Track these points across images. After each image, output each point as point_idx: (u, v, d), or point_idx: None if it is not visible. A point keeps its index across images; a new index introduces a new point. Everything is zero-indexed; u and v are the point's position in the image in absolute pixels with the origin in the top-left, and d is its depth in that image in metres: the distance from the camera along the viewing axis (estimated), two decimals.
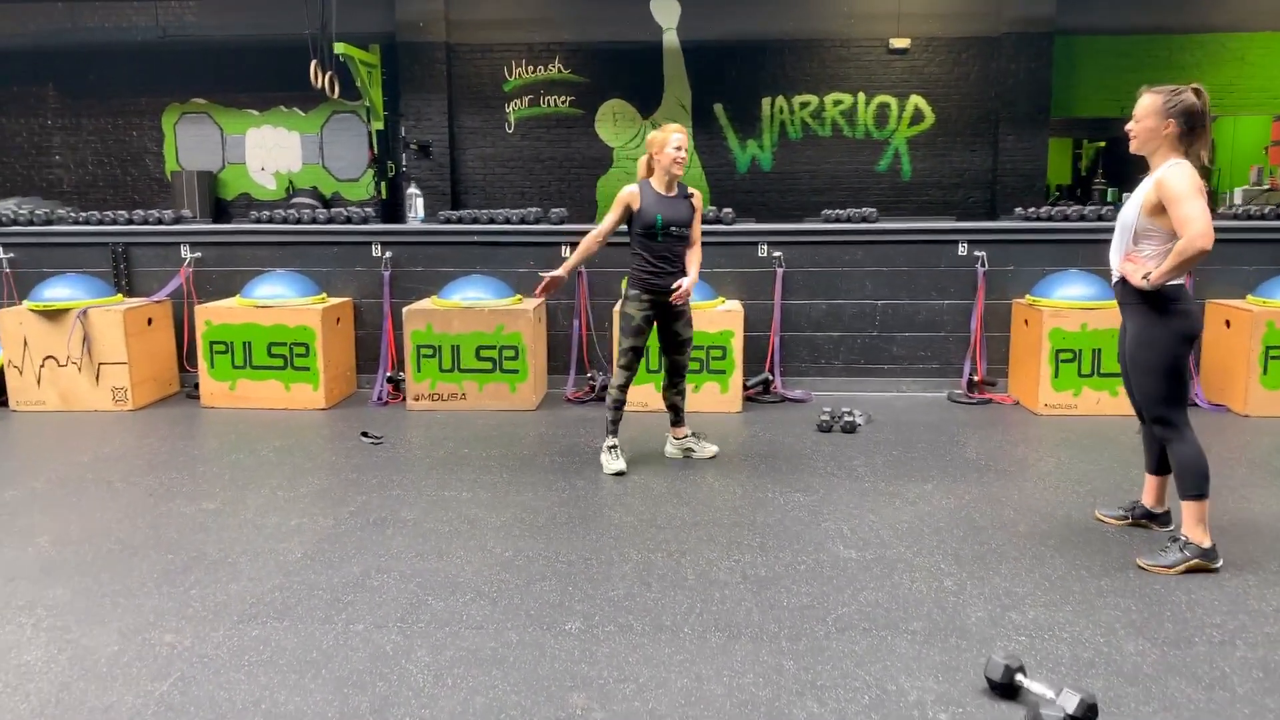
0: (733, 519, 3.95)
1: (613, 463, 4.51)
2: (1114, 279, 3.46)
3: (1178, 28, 10.58)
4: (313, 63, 7.70)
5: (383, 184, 11.05)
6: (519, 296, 6.09)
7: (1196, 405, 5.69)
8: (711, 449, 4.79)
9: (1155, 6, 10.39)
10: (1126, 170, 13.66)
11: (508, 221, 6.29)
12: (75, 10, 11.07)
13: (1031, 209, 6.27)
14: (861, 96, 10.86)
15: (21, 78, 11.30)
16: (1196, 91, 3.25)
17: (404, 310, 5.85)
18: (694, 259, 4.55)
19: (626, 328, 4.45)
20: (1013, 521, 3.87)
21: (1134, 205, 3.35)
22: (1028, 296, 5.94)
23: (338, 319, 6.12)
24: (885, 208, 10.91)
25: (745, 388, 5.97)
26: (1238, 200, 12.77)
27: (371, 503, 4.16)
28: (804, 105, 10.95)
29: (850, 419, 5.29)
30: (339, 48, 9.63)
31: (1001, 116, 10.52)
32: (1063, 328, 5.58)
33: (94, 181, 11.59)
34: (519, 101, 11.13)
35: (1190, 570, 3.30)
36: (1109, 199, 12.59)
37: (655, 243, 4.36)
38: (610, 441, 4.56)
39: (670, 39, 10.95)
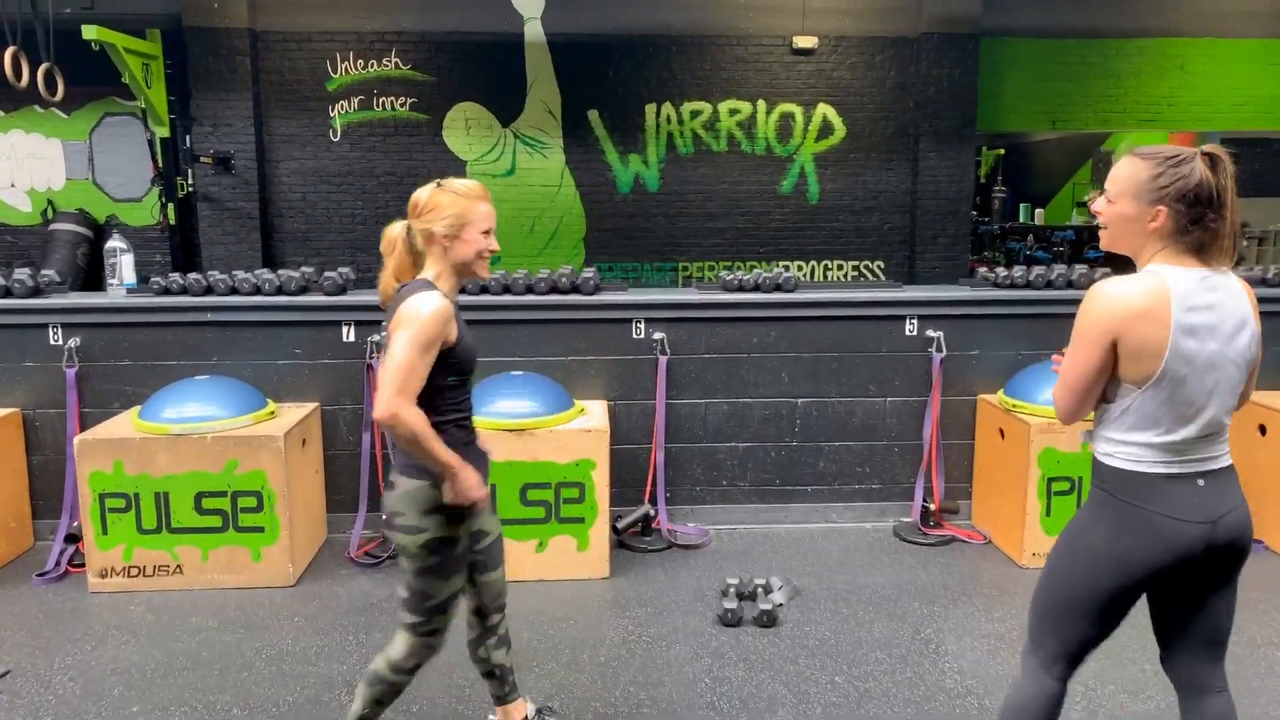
0: None
1: None
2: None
3: (1114, 31, 9.31)
4: (9, 51, 5.45)
5: (170, 206, 8.73)
6: (272, 408, 4.06)
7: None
8: None
9: (1090, 6, 9.08)
10: (1026, 179, 12.56)
11: (258, 291, 4.24)
12: None
13: (1000, 271, 4.62)
14: (762, 105, 9.18)
15: None
16: (1212, 160, 1.86)
17: (76, 441, 3.74)
18: None
19: (446, 563, 2.33)
20: None
21: (1248, 332, 1.92)
22: (1000, 395, 4.29)
23: None
24: (790, 235, 9.31)
25: (615, 530, 4.13)
26: None
27: None
28: (695, 114, 9.19)
29: (768, 606, 3.49)
30: (90, 32, 7.33)
31: (922, 130, 9.01)
32: (1057, 447, 3.93)
33: None
34: (347, 103, 8.99)
35: None
36: (1025, 217, 11.38)
37: (468, 392, 2.41)
38: None
39: (534, 31, 9.02)
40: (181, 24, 8.49)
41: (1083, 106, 9.55)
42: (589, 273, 4.48)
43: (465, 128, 9.13)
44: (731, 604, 3.48)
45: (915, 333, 4.42)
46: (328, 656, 3.28)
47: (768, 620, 3.46)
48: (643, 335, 4.39)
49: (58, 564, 3.98)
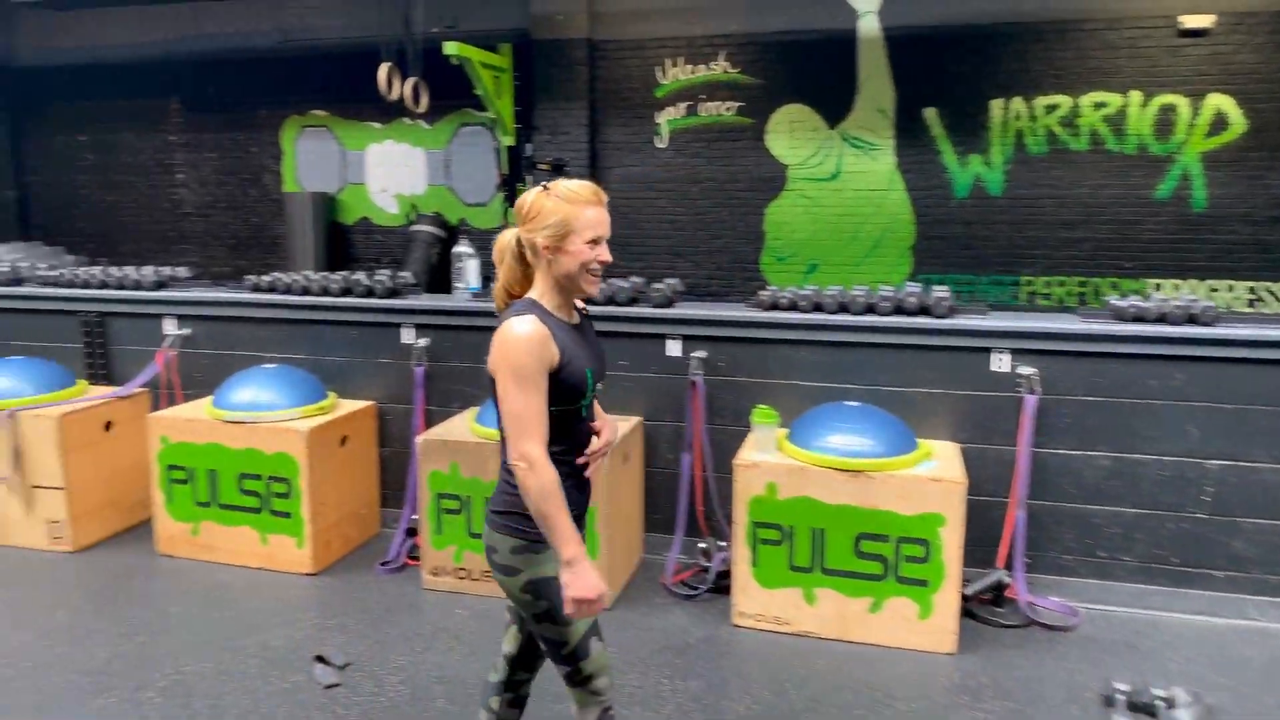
0: None
1: None
2: None
3: None
4: (383, 67, 5.95)
5: (509, 210, 9.29)
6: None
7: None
8: None
9: None
10: None
11: (589, 300, 4.16)
12: (200, 16, 10.11)
13: None
14: (1135, 96, 7.87)
15: (146, 90, 10.47)
16: None
17: (418, 440, 3.87)
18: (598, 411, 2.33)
19: (560, 607, 2.05)
20: None
21: None
22: None
23: (344, 438, 4.23)
24: (1165, 249, 7.90)
25: (964, 597, 3.53)
26: None
27: None
28: (1051, 109, 8.10)
29: None
30: (450, 48, 7.89)
31: None
32: None
33: (214, 202, 10.62)
34: (674, 109, 9.00)
35: None
36: None
37: (582, 419, 2.13)
38: None
39: (868, 26, 8.45)
40: (529, 37, 8.97)
41: None
42: (941, 292, 3.91)
43: (789, 130, 8.77)
44: (1124, 718, 2.78)
45: None
46: (642, 700, 3.05)
47: None
48: (1005, 368, 3.74)
49: (398, 555, 4.17)
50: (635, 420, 4.10)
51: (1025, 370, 3.67)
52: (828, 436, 3.50)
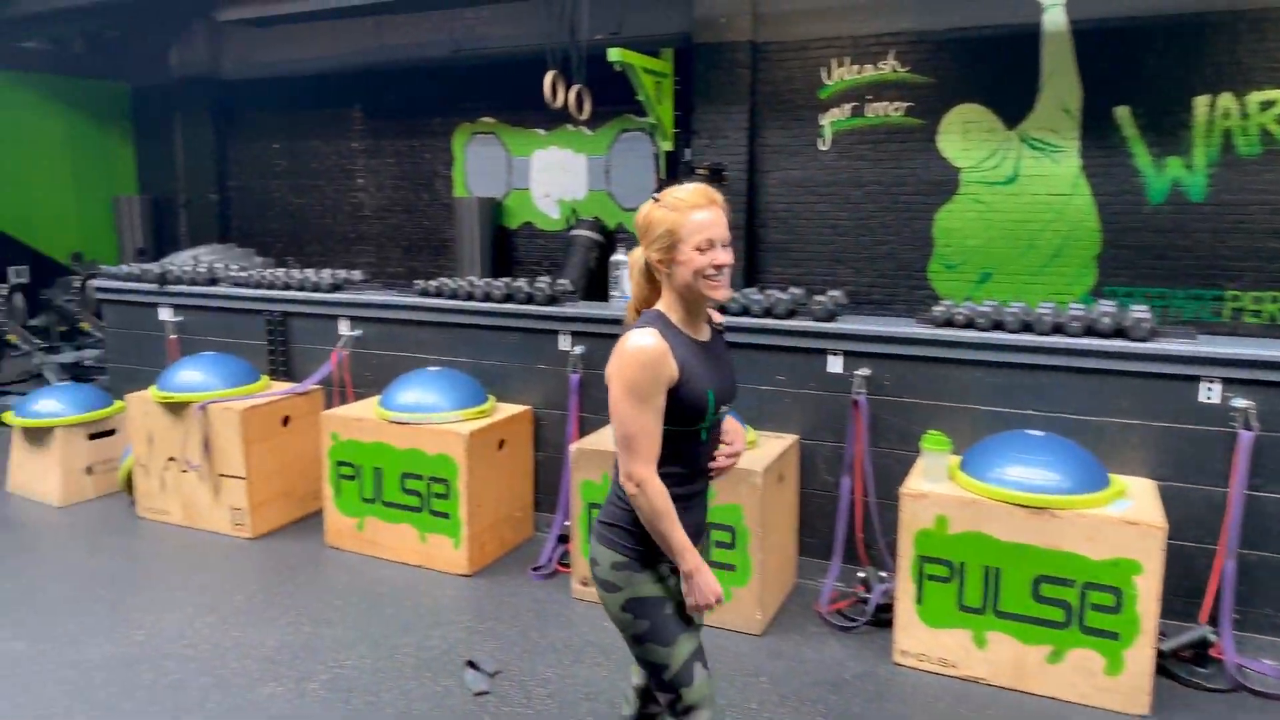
0: None
1: None
2: None
3: None
4: (549, 75, 6.04)
5: None
6: (752, 437, 3.82)
7: None
8: None
9: None
10: None
11: (746, 311, 4.03)
12: (382, 29, 10.67)
13: None
14: None
15: (332, 100, 11.17)
16: None
17: (571, 449, 3.86)
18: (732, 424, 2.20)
19: (660, 627, 2.01)
20: None
21: None
22: None
23: (501, 442, 4.29)
24: None
25: (1160, 653, 3.17)
26: None
27: None
28: (1266, 106, 7.27)
29: None
30: (614, 54, 7.95)
31: None
32: None
33: (390, 205, 11.19)
34: (838, 110, 8.71)
35: None
36: None
37: (700, 443, 2.03)
38: None
39: (1054, 19, 7.87)
40: (691, 42, 8.92)
41: None
42: (1140, 312, 3.53)
43: (962, 132, 8.30)
44: None
45: None
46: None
47: None
48: (1215, 400, 3.33)
49: (549, 561, 4.18)
50: (791, 439, 3.94)
51: (1240, 403, 3.25)
52: (1006, 468, 3.22)
